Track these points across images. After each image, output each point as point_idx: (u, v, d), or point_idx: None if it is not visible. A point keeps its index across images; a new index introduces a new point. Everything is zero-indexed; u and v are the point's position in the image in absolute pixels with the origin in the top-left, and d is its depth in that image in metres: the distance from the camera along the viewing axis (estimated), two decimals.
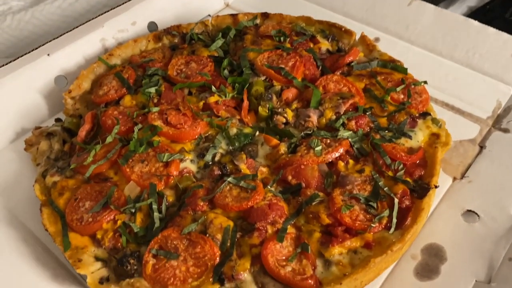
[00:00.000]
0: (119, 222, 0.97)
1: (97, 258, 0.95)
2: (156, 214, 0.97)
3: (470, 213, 1.06)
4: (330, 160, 1.04)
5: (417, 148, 1.07)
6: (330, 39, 1.39)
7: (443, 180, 1.13)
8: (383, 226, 0.93)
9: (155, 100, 1.23)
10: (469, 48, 1.44)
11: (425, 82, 1.22)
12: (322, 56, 1.34)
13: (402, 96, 1.19)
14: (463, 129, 1.25)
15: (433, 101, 1.30)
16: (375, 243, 0.90)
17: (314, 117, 1.13)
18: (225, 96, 1.21)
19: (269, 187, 1.01)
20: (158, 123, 1.13)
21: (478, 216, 1.05)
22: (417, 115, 1.14)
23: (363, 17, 1.58)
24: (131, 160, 1.07)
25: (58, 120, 1.29)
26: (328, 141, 1.07)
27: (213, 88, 1.23)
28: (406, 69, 1.25)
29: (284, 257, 0.89)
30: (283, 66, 1.25)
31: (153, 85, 1.25)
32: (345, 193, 0.97)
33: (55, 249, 1.02)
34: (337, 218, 0.93)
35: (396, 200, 0.95)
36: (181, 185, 1.02)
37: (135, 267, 0.91)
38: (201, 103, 1.20)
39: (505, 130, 1.24)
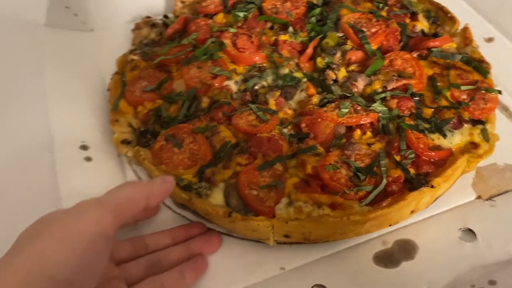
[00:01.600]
0: (155, 105, 1.15)
1: (130, 125, 1.16)
2: (183, 110, 1.13)
3: (469, 232, 0.99)
4: (350, 125, 1.06)
5: (445, 149, 1.02)
6: (431, 21, 1.32)
7: (465, 194, 1.06)
8: (357, 197, 0.94)
9: (240, 24, 1.35)
10: None
11: (499, 92, 1.11)
12: (412, 34, 1.29)
13: (464, 97, 1.11)
14: None
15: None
16: (340, 207, 0.93)
17: (361, 83, 1.14)
18: (295, 39, 1.27)
19: (281, 126, 1.08)
20: (227, 41, 1.26)
21: (476, 238, 0.98)
22: (467, 119, 1.07)
23: (487, 12, 1.43)
24: (191, 64, 1.23)
25: (165, 16, 1.51)
26: (359, 108, 1.08)
27: (290, 28, 1.30)
28: (488, 73, 1.15)
29: (256, 183, 0.97)
30: (364, 29, 1.25)
31: (244, 10, 1.37)
32: (341, 156, 0.99)
33: None
34: (317, 172, 0.97)
35: (384, 181, 0.94)
36: (215, 97, 1.16)
37: (150, 142, 1.09)
38: (273, 38, 1.30)
39: None
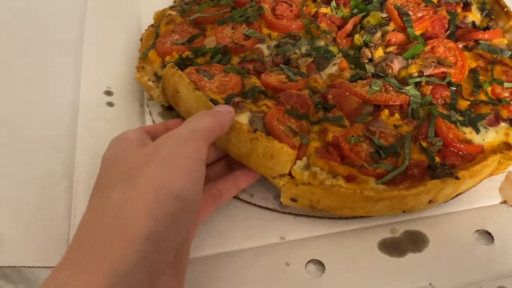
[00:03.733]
0: (184, 55, 1.14)
1: (155, 74, 1.14)
2: (215, 59, 1.10)
3: (487, 236, 0.93)
4: (378, 105, 1.01)
5: (476, 144, 0.95)
6: (484, 14, 1.24)
7: (490, 196, 0.99)
8: (375, 174, 0.89)
9: None
10: None
11: None
12: (461, 24, 1.21)
13: (506, 94, 1.03)
14: None
15: None
16: (356, 181, 0.89)
17: (396, 65, 1.08)
18: (336, 13, 1.23)
19: (310, 90, 1.04)
20: (266, 6, 1.23)
21: (493, 241, 0.91)
22: (505, 117, 0.99)
23: None
24: (226, 24, 1.21)
25: None
26: (390, 89, 1.03)
27: (333, 2, 1.25)
28: None
29: (284, 123, 0.93)
30: (410, 13, 1.19)
31: None
32: (365, 131, 0.95)
33: None
34: (338, 141, 0.92)
35: (406, 163, 0.89)
36: (247, 57, 1.13)
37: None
38: (314, 10, 1.25)
39: None
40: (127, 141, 0.78)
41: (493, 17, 1.23)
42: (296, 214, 0.96)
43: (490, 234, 0.93)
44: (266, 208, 0.97)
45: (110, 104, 1.15)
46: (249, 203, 0.98)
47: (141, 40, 1.23)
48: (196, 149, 0.73)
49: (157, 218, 0.63)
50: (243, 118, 0.92)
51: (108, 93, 1.18)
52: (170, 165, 0.69)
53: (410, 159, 0.90)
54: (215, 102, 0.94)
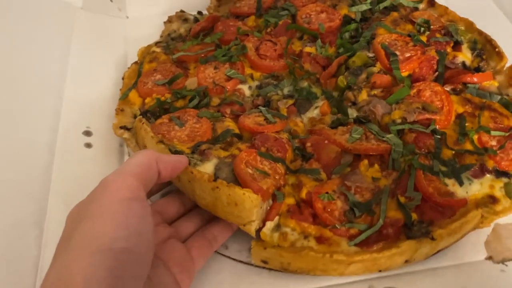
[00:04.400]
0: (163, 98, 1.12)
1: (134, 116, 1.13)
2: (193, 102, 1.09)
3: None
4: (358, 154, 0.98)
5: (459, 198, 0.91)
6: (475, 54, 1.20)
7: (474, 251, 0.94)
8: (347, 235, 0.86)
9: (269, 30, 1.30)
10: None
11: None
12: (450, 65, 1.17)
13: (493, 143, 0.99)
14: None
15: None
16: (327, 242, 0.85)
17: (379, 111, 1.05)
18: (321, 53, 1.20)
19: (290, 135, 1.01)
20: (250, 46, 1.21)
21: None
22: (490, 168, 0.95)
23: None
24: (209, 63, 1.19)
25: (199, 13, 1.48)
26: (371, 137, 0.99)
27: (318, 41, 1.23)
28: None
29: (254, 166, 0.90)
30: (398, 53, 1.16)
31: (276, 16, 1.31)
32: (341, 186, 0.91)
33: None
34: (311, 199, 0.89)
35: (380, 222, 0.86)
36: (228, 99, 1.10)
37: (150, 121, 1.04)
38: (299, 49, 1.23)
39: None
40: (104, 191, 0.68)
41: (484, 57, 1.19)
42: (271, 269, 0.92)
43: None
44: (241, 262, 0.94)
45: (88, 145, 1.14)
46: (224, 255, 0.95)
47: (123, 79, 1.22)
48: (127, 187, 0.67)
49: (93, 279, 0.58)
50: (208, 167, 0.90)
51: (87, 133, 1.16)
52: (99, 218, 0.63)
53: (386, 217, 0.86)
54: (179, 153, 0.91)
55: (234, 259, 0.95)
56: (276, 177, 0.91)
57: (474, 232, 0.96)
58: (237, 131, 1.01)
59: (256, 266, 0.93)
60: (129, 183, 0.68)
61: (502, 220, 0.98)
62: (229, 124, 1.02)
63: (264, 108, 1.06)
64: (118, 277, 0.61)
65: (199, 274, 0.91)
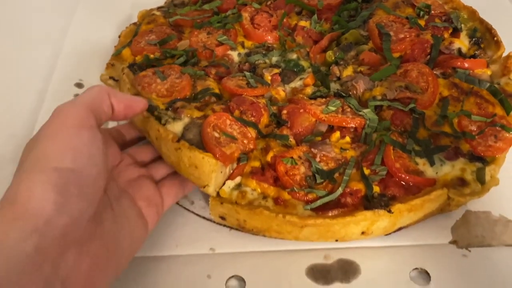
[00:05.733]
0: (152, 56, 1.14)
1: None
2: (179, 60, 1.11)
3: (424, 276, 0.87)
4: (331, 125, 0.97)
5: (428, 177, 0.90)
6: (473, 42, 1.17)
7: (439, 234, 0.93)
8: (305, 199, 0.86)
9: (269, 3, 1.30)
10: None
11: None
12: (445, 50, 1.15)
13: (472, 128, 0.96)
14: None
15: None
16: (284, 204, 0.86)
17: (361, 86, 1.04)
18: (315, 28, 1.20)
19: (269, 101, 1.02)
20: (246, 15, 1.21)
21: (429, 283, 0.85)
22: (465, 152, 0.93)
23: None
24: (203, 28, 1.21)
25: None
26: (348, 110, 0.99)
27: (314, 16, 1.22)
28: None
29: (222, 129, 0.91)
30: (392, 33, 1.14)
31: None
32: (307, 153, 0.91)
33: None
34: (276, 162, 0.90)
35: (339, 190, 0.85)
36: (216, 62, 1.12)
37: (135, 72, 1.05)
38: (295, 23, 1.23)
39: None
40: (55, 118, 0.71)
41: (482, 45, 1.16)
42: (231, 227, 0.94)
43: (428, 274, 0.87)
44: (204, 218, 0.96)
45: None
46: (188, 210, 0.97)
47: (119, 37, 1.25)
48: (75, 116, 0.70)
49: (39, 196, 0.61)
50: (178, 126, 0.91)
51: (79, 85, 1.20)
52: (47, 142, 0.67)
53: (347, 186, 0.86)
54: (154, 108, 0.93)
55: (197, 215, 0.96)
56: (245, 141, 0.92)
57: (443, 216, 0.94)
58: (217, 91, 1.02)
59: (217, 223, 0.94)
60: (80, 112, 0.71)
61: (474, 207, 0.96)
62: (210, 83, 1.03)
63: (248, 73, 1.07)
64: (65, 196, 0.63)
65: (161, 226, 0.94)
